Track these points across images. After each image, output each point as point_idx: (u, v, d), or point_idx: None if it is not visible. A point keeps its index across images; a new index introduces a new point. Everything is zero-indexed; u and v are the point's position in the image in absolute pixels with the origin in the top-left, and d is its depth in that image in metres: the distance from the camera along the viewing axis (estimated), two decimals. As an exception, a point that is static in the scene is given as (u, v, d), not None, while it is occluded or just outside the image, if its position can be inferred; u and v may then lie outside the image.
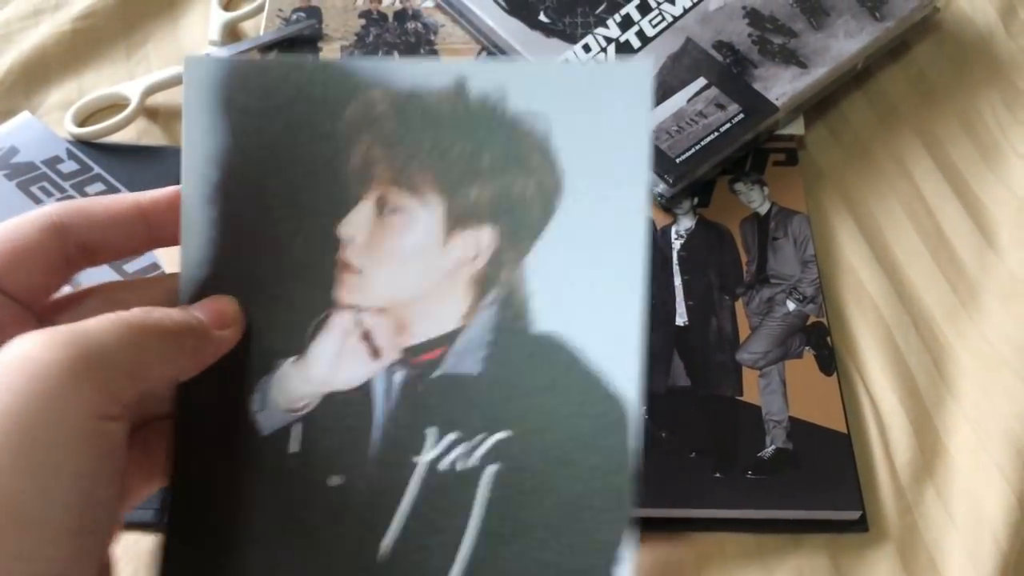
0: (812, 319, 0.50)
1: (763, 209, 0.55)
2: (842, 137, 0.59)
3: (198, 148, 0.33)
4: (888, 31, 0.59)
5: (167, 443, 0.32)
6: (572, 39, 0.59)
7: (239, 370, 0.33)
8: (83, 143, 0.59)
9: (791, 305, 0.51)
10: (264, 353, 0.33)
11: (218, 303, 0.32)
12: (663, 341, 0.50)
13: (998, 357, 0.50)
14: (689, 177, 0.53)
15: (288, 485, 0.32)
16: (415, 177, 0.32)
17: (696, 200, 0.55)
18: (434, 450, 0.32)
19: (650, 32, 0.58)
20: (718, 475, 0.45)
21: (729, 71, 0.56)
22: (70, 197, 0.55)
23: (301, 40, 0.62)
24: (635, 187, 0.31)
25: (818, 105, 0.59)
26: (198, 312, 0.31)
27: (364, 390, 0.32)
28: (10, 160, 0.56)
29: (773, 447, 0.46)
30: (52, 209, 0.31)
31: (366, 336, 0.32)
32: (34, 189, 0.55)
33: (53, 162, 0.57)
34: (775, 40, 0.58)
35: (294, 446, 0.32)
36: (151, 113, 0.61)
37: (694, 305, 0.51)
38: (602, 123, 0.31)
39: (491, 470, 0.31)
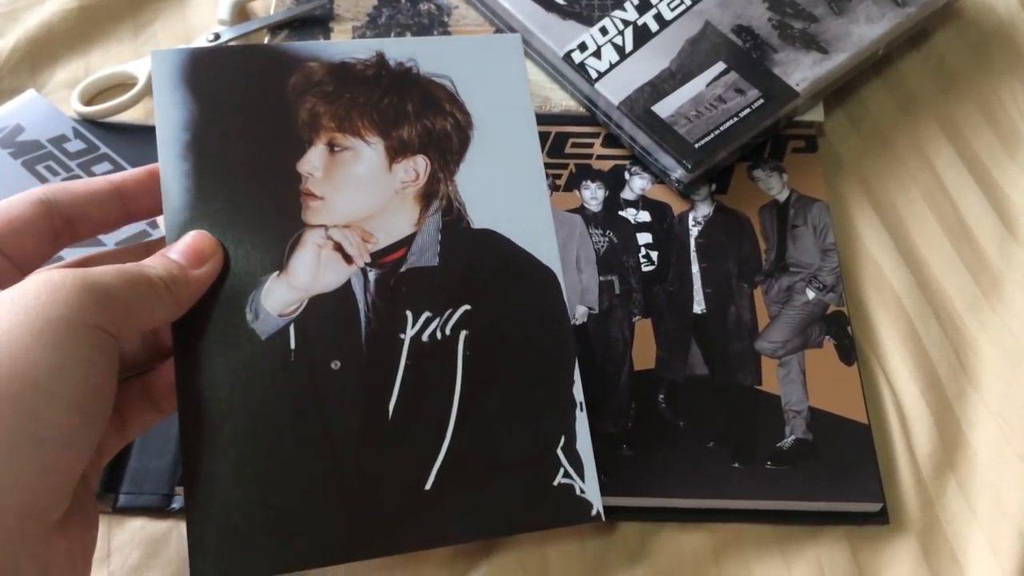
0: (832, 308, 0.50)
1: (782, 196, 0.54)
2: (862, 125, 0.59)
3: (169, 118, 0.41)
4: (910, 17, 0.58)
5: (169, 376, 0.38)
6: (589, 21, 0.58)
7: (229, 291, 0.39)
8: (89, 122, 0.58)
9: (811, 294, 0.50)
10: (250, 273, 0.39)
11: (195, 240, 0.38)
12: (681, 329, 0.49)
13: (1020, 348, 0.49)
14: (708, 163, 0.52)
15: (294, 375, 0.38)
16: (356, 123, 0.42)
17: (714, 186, 0.54)
18: (414, 327, 0.40)
19: (668, 15, 0.57)
20: (737, 465, 0.45)
21: (749, 56, 0.55)
22: (76, 176, 0.54)
23: (311, 20, 0.61)
24: (525, 115, 0.44)
25: (837, 92, 0.58)
26: (175, 255, 0.37)
27: (345, 290, 0.40)
28: (15, 139, 0.55)
29: (793, 437, 0.45)
30: (40, 187, 0.37)
31: (337, 247, 0.40)
32: (40, 168, 0.54)
33: (59, 141, 0.56)
34: (796, 25, 0.57)
35: (292, 344, 0.39)
36: (159, 93, 0.60)
37: (712, 293, 0.50)
38: (493, 76, 0.44)
39: (463, 334, 0.40)
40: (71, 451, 0.31)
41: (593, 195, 0.54)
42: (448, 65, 0.44)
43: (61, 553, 0.32)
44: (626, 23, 0.57)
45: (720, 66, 0.55)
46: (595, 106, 0.56)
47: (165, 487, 0.46)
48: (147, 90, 0.58)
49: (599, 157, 0.56)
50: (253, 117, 0.41)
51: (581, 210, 0.54)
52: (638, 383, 0.47)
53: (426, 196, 0.41)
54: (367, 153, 0.41)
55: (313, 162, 0.41)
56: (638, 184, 0.55)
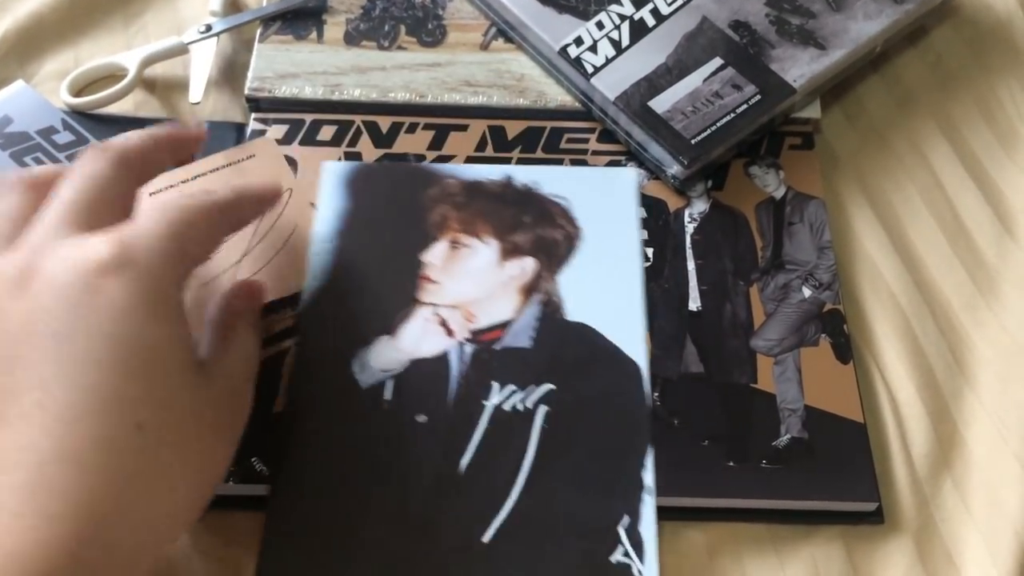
0: (828, 306, 0.49)
1: (778, 193, 0.53)
2: (858, 122, 0.58)
3: (328, 209, 0.51)
4: (908, 14, 0.57)
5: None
6: (585, 16, 0.57)
7: (344, 343, 0.46)
8: (79, 113, 0.57)
9: (807, 292, 0.50)
10: (364, 332, 0.47)
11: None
12: (676, 326, 0.49)
13: (1017, 347, 0.49)
14: (704, 159, 0.52)
15: (384, 422, 0.44)
16: (478, 227, 0.50)
17: (710, 183, 0.54)
18: (498, 396, 0.45)
19: (665, 10, 0.57)
20: (731, 464, 0.44)
21: (746, 51, 0.55)
22: (66, 169, 0.53)
23: (304, 12, 0.61)
24: (630, 231, 0.51)
25: (834, 89, 0.58)
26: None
27: (442, 358, 0.46)
28: (3, 130, 0.54)
29: (788, 436, 0.45)
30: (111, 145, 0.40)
31: (443, 322, 0.47)
32: (28, 160, 0.54)
33: (48, 132, 0.55)
34: (793, 20, 0.56)
35: (387, 395, 0.45)
36: (148, 84, 0.59)
37: (708, 290, 0.50)
38: (606, 199, 0.52)
39: (542, 410, 0.45)
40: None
41: (588, 191, 0.54)
42: (567, 189, 0.52)
43: None
44: (623, 17, 0.57)
45: (717, 62, 0.55)
46: (591, 101, 0.56)
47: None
48: (136, 82, 0.58)
49: (595, 152, 0.55)
50: (393, 215, 0.51)
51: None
52: (633, 381, 0.47)
53: (529, 289, 0.48)
54: (483, 251, 0.49)
55: (435, 254, 0.49)
56: (633, 180, 0.54)
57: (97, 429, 0.31)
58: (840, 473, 0.44)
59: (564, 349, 0.46)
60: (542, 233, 0.50)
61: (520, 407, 0.45)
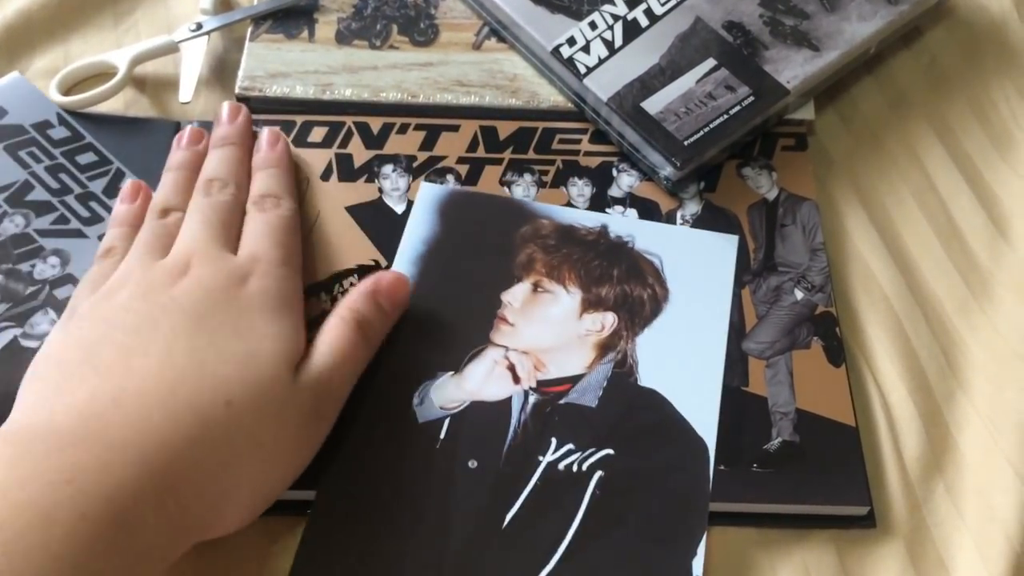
0: (820, 309, 0.49)
1: (771, 195, 0.53)
2: (852, 123, 0.58)
3: (416, 231, 0.51)
4: (902, 15, 0.57)
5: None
6: (578, 16, 0.57)
7: (408, 374, 0.46)
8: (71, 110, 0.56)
9: (799, 294, 0.49)
10: (430, 366, 0.46)
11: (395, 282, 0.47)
12: (668, 329, 0.48)
13: (1010, 350, 0.49)
14: (697, 160, 0.52)
15: (435, 461, 0.43)
16: (564, 274, 0.49)
17: (703, 184, 0.54)
18: (555, 454, 0.43)
19: (659, 10, 0.57)
20: (723, 467, 0.44)
21: (739, 52, 0.55)
22: (60, 165, 0.53)
23: (296, 11, 0.60)
24: (721, 302, 0.49)
25: (828, 90, 0.58)
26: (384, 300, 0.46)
27: (504, 404, 0.45)
28: (-2, 121, 0.54)
29: (779, 440, 0.45)
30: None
31: (511, 367, 0.46)
32: (22, 154, 0.53)
33: (43, 127, 0.54)
34: (787, 21, 0.56)
35: (443, 434, 0.44)
36: (139, 83, 0.59)
37: (700, 292, 0.50)
38: (701, 264, 0.50)
39: (597, 475, 0.43)
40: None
41: (580, 192, 0.53)
42: (662, 246, 0.50)
43: None
44: (616, 18, 0.57)
45: (710, 62, 0.54)
46: (583, 102, 0.56)
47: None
48: (127, 80, 0.57)
49: (587, 154, 0.55)
50: (481, 247, 0.50)
51: (568, 207, 0.53)
52: (624, 383, 0.47)
53: (605, 346, 0.47)
54: (564, 299, 0.48)
55: (516, 295, 0.48)
56: (626, 181, 0.54)
57: (194, 396, 0.37)
58: (832, 477, 0.44)
59: (631, 414, 0.45)
60: (628, 289, 0.48)
61: (575, 468, 0.43)
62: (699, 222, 0.52)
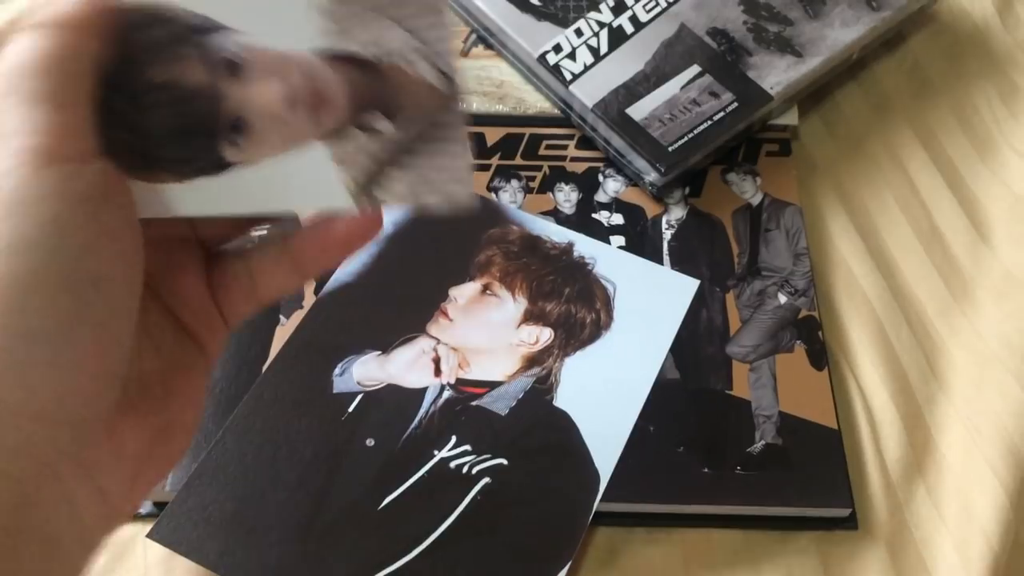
0: (804, 313, 0.49)
1: (755, 200, 0.54)
2: (836, 128, 0.59)
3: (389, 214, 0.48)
4: (884, 21, 0.58)
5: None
6: (564, 23, 0.57)
7: (339, 343, 0.47)
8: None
9: (782, 298, 0.50)
10: (362, 342, 0.47)
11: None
12: (652, 333, 0.49)
13: (990, 353, 0.49)
14: (681, 166, 0.52)
15: (334, 431, 0.45)
16: (516, 282, 0.49)
17: (687, 190, 0.54)
18: (450, 451, 0.44)
19: (644, 17, 0.57)
20: (707, 470, 0.44)
21: (723, 59, 0.55)
22: None
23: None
24: (660, 346, 0.48)
25: (812, 95, 0.58)
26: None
27: (419, 393, 0.46)
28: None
29: (763, 442, 0.45)
30: None
31: (436, 360, 0.47)
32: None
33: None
34: (770, 28, 0.57)
35: (352, 408, 0.45)
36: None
37: (684, 297, 0.50)
38: (653, 301, 0.50)
39: (484, 481, 0.43)
40: (75, 338, 0.26)
41: (567, 197, 0.54)
42: (621, 274, 0.50)
43: (113, 456, 0.29)
44: (601, 25, 0.57)
45: (695, 69, 0.55)
46: (570, 108, 0.56)
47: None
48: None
49: (573, 159, 0.56)
50: (446, 239, 0.51)
51: (555, 212, 0.53)
52: (609, 387, 0.47)
53: (532, 360, 0.47)
54: (509, 306, 0.49)
55: (463, 292, 0.49)
56: (612, 187, 0.54)
57: None
58: (814, 479, 0.44)
59: (535, 431, 0.45)
60: (573, 310, 0.49)
61: (464, 469, 0.44)
62: (684, 227, 0.53)
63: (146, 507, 0.45)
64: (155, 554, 0.43)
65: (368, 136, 0.29)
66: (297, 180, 0.29)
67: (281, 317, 0.49)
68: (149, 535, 0.42)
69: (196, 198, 0.30)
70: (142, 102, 0.28)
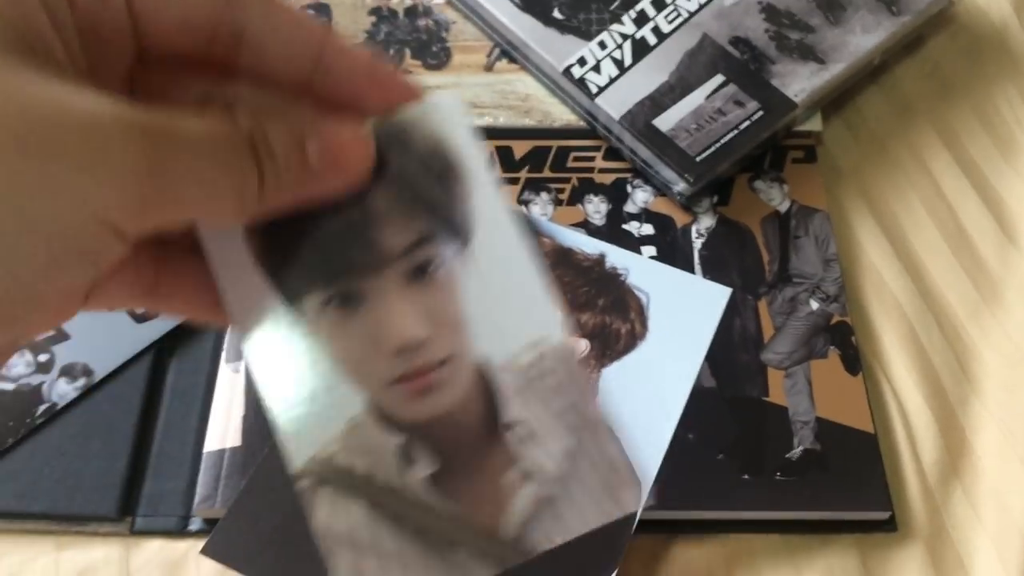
0: (836, 318, 0.50)
1: (783, 207, 0.54)
2: (859, 133, 0.59)
3: None
4: (905, 25, 0.58)
5: None
6: (587, 36, 0.58)
7: None
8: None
9: (814, 304, 0.51)
10: None
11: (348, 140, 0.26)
12: (687, 342, 0.49)
13: (1021, 354, 0.50)
14: (709, 176, 0.53)
15: None
16: None
17: (716, 198, 0.55)
18: None
19: (666, 28, 0.58)
20: (746, 476, 0.45)
21: (747, 67, 0.56)
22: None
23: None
24: (695, 355, 0.48)
25: (835, 101, 0.59)
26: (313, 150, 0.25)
27: None
28: None
29: (801, 448, 0.46)
30: None
31: None
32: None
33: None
34: (792, 35, 0.57)
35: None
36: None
37: (717, 305, 0.51)
38: (687, 309, 0.50)
39: None
40: None
41: (596, 209, 0.55)
42: (654, 284, 0.50)
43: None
44: (624, 37, 0.58)
45: (719, 78, 0.56)
46: (595, 120, 0.57)
47: (181, 509, 0.46)
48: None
49: (601, 171, 0.56)
50: None
51: (585, 224, 0.54)
52: (647, 397, 0.48)
53: None
54: None
55: None
56: (640, 197, 0.55)
57: None
58: (853, 483, 0.45)
59: None
60: (608, 321, 0.49)
61: None
62: (714, 236, 0.53)
63: (197, 523, 0.46)
64: (207, 571, 0.44)
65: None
66: None
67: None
68: (203, 551, 0.43)
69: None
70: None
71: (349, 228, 0.27)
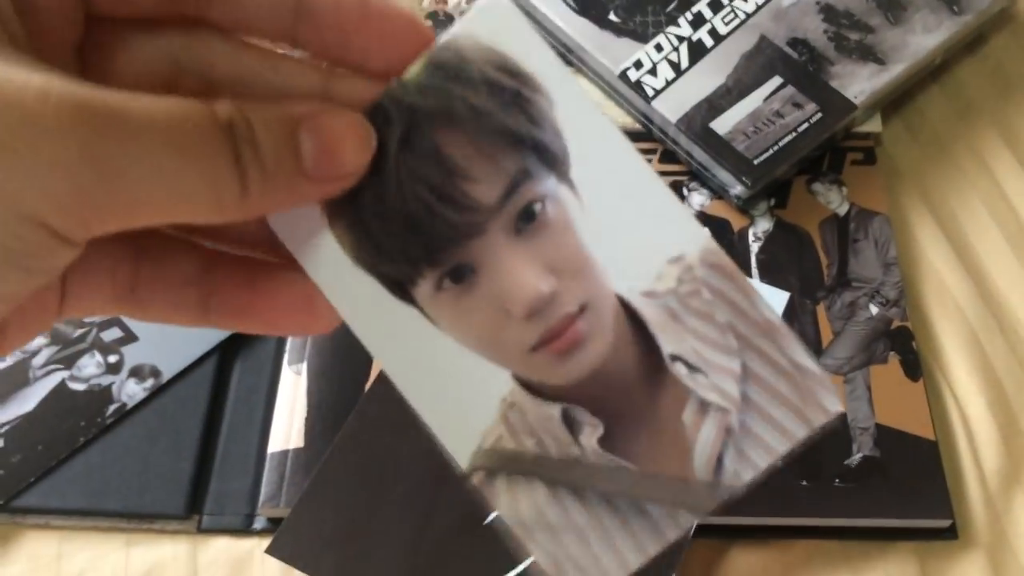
0: (896, 323, 0.50)
1: (842, 210, 0.54)
2: (920, 134, 0.58)
3: None
4: (966, 25, 0.57)
5: None
6: (643, 38, 0.58)
7: None
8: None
9: (874, 309, 0.50)
10: None
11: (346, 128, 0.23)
12: (744, 346, 0.49)
13: (1087, 360, 0.49)
14: (766, 179, 0.53)
15: (436, 453, 0.37)
16: None
17: (773, 201, 0.55)
18: None
19: (723, 30, 0.58)
20: (805, 483, 0.45)
21: (805, 69, 0.56)
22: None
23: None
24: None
25: (894, 101, 0.58)
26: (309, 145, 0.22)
27: None
28: None
29: (860, 455, 0.46)
30: None
31: None
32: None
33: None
34: (852, 36, 0.57)
35: None
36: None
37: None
38: None
39: None
40: None
41: (652, 212, 0.55)
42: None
43: None
44: (681, 39, 0.58)
45: (777, 80, 0.55)
46: (651, 123, 0.57)
47: (247, 507, 0.47)
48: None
49: (657, 173, 0.56)
50: None
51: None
52: (704, 402, 0.48)
53: None
54: None
55: None
56: (697, 200, 0.55)
57: None
58: (913, 491, 0.45)
59: None
60: None
61: None
62: (771, 239, 0.53)
63: (262, 522, 0.47)
64: (272, 569, 0.45)
65: None
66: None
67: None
68: (267, 550, 0.44)
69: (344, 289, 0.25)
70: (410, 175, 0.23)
71: (432, 192, 0.23)
